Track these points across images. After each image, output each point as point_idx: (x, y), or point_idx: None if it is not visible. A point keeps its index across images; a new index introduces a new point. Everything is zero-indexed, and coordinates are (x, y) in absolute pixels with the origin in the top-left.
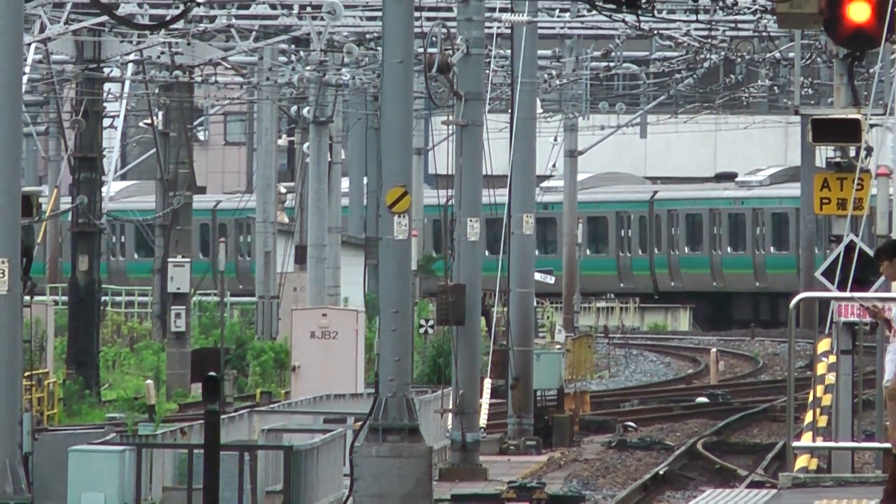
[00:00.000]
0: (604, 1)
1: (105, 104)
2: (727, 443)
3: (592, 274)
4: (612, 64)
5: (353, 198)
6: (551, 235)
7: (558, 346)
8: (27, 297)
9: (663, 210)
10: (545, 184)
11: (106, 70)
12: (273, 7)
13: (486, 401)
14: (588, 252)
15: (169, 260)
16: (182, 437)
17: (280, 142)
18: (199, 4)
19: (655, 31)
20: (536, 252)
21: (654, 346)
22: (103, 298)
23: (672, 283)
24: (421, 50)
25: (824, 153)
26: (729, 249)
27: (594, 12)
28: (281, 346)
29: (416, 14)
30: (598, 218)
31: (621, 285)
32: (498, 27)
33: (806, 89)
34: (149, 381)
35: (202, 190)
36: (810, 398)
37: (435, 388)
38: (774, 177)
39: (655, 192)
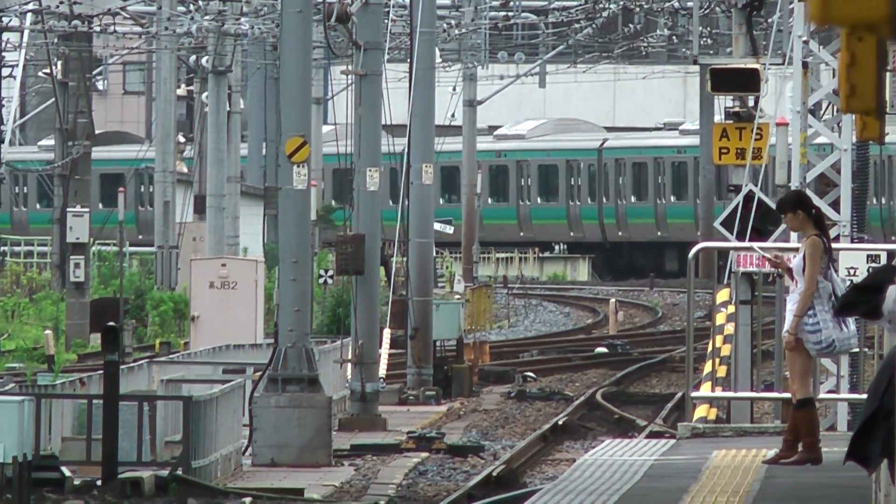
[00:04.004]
0: None
1: (3, 54)
2: (626, 393)
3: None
4: (510, 13)
5: (252, 148)
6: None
7: (458, 297)
8: None
9: None
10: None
11: (4, 20)
12: None
13: (385, 351)
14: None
15: (68, 210)
16: (81, 388)
17: (179, 91)
18: None
19: None
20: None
21: (554, 297)
22: (2, 248)
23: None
24: None
25: (723, 103)
26: (489, 201)
27: None
28: (180, 297)
29: None
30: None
31: None
32: None
33: (705, 39)
34: (48, 332)
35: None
36: (709, 348)
37: (334, 338)
38: (534, 130)
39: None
